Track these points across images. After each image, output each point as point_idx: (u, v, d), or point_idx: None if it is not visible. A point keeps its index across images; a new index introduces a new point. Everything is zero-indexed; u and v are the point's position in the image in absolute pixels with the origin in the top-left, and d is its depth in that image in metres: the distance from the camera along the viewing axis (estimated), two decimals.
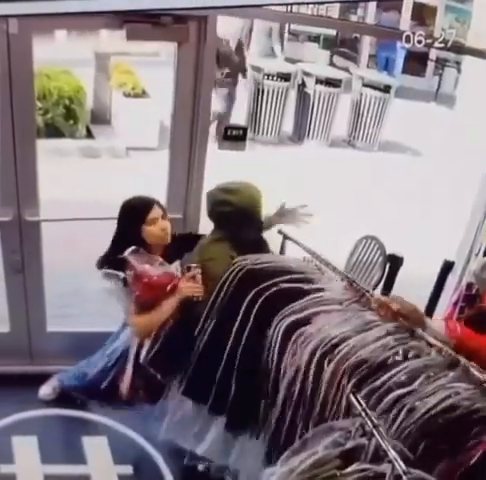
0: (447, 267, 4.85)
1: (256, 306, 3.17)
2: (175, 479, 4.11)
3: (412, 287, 5.24)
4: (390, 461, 2.35)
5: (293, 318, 3.04)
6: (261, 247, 3.74)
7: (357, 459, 2.44)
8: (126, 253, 3.57)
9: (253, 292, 3.19)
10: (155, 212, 3.73)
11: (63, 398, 4.47)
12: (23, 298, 4.56)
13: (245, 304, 3.19)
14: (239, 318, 3.21)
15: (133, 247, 3.60)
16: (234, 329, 3.22)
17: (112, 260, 3.66)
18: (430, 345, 2.83)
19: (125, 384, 3.83)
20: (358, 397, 2.66)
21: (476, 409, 2.55)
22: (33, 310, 4.59)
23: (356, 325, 2.94)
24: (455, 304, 4.92)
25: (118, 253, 3.62)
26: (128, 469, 4.12)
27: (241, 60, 9.90)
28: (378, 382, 2.73)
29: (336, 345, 2.87)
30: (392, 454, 2.39)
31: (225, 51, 9.69)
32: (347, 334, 2.88)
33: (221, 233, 3.72)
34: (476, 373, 2.64)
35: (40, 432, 4.22)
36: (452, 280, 4.93)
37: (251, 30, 11.27)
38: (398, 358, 2.80)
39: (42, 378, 4.53)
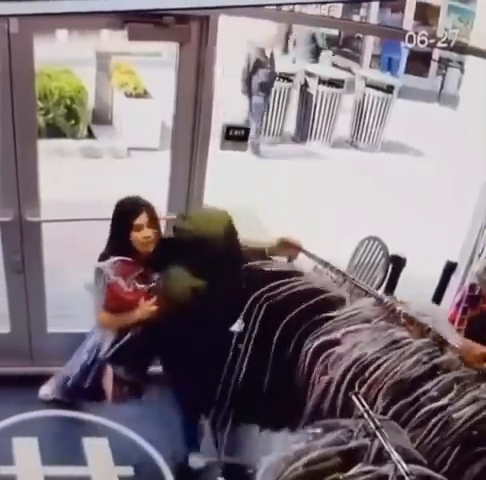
0: (450, 268, 4.83)
1: (288, 335, 3.16)
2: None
3: (415, 288, 5.24)
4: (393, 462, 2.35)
5: (323, 339, 3.04)
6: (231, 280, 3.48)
7: (359, 460, 2.44)
8: (107, 262, 3.64)
9: (282, 325, 3.17)
10: (141, 218, 3.70)
11: (64, 399, 4.47)
12: (24, 298, 4.55)
13: (277, 336, 3.18)
14: (273, 348, 3.20)
15: (115, 258, 3.65)
16: (269, 359, 3.21)
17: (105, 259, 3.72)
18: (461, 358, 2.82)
19: (108, 381, 3.85)
20: (360, 398, 2.65)
21: None
22: (33, 311, 4.58)
23: (386, 343, 2.94)
24: (458, 305, 4.90)
25: (111, 253, 3.68)
26: (129, 470, 4.11)
27: (273, 68, 9.88)
28: (410, 398, 2.73)
29: (367, 366, 2.87)
30: (395, 456, 2.38)
31: (262, 61, 9.68)
32: (377, 354, 2.87)
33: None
34: None
35: (40, 433, 4.22)
36: (455, 281, 4.92)
37: (288, 35, 11.33)
38: (428, 374, 2.79)
39: (42, 379, 4.51)
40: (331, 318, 3.10)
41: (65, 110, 8.85)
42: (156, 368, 4.00)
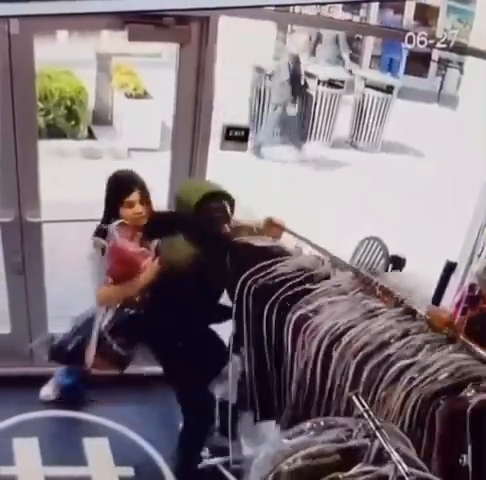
0: (449, 268, 4.83)
1: (274, 313, 3.27)
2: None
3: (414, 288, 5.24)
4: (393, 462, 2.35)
5: (302, 311, 3.16)
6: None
7: (358, 459, 2.43)
8: (112, 225, 3.69)
9: (269, 303, 3.27)
10: (133, 196, 3.76)
11: (64, 399, 4.47)
12: (24, 299, 4.56)
13: (265, 315, 3.29)
14: (264, 328, 3.31)
15: (121, 220, 3.72)
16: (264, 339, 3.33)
17: (102, 230, 3.78)
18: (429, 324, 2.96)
19: (90, 350, 3.88)
20: (360, 398, 2.66)
21: (471, 370, 2.74)
22: (34, 311, 4.58)
23: (361, 313, 3.06)
24: (458, 305, 4.90)
25: (107, 223, 3.76)
26: (129, 471, 4.11)
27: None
28: (383, 356, 2.85)
29: (342, 333, 2.98)
30: (395, 456, 2.39)
31: (296, 69, 9.68)
32: (353, 322, 2.99)
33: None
34: (473, 346, 2.82)
35: (41, 434, 4.22)
36: (455, 281, 4.92)
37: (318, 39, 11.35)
38: (399, 336, 2.92)
39: (43, 379, 4.53)
40: (311, 291, 3.23)
41: (65, 111, 8.86)
42: (156, 368, 4.01)
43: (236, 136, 4.43)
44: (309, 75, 10.53)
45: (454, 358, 2.81)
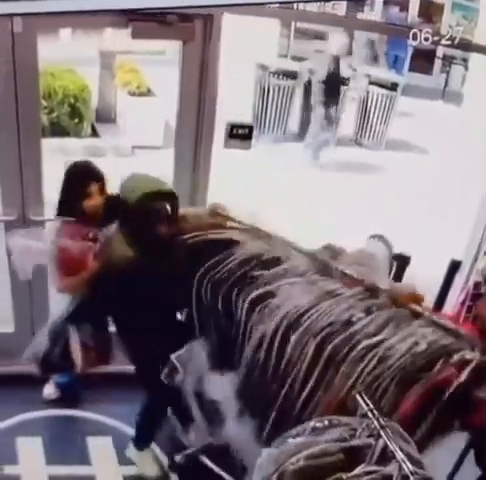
0: (454, 266, 4.81)
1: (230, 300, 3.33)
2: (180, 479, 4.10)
3: (419, 286, 5.22)
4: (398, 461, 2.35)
5: (258, 292, 3.20)
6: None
7: (362, 459, 2.43)
8: (49, 227, 3.81)
9: (227, 286, 3.33)
10: (92, 187, 3.77)
11: (67, 398, 4.47)
12: (27, 298, 4.55)
13: (221, 297, 3.35)
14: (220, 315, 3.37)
15: (59, 221, 3.79)
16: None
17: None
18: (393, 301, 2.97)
19: (76, 349, 3.90)
20: (364, 397, 2.65)
21: (442, 345, 2.79)
22: (37, 310, 4.57)
23: (319, 294, 3.08)
24: (462, 303, 4.89)
25: (61, 213, 3.82)
26: (133, 470, 4.11)
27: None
28: (345, 336, 2.87)
29: (301, 315, 3.01)
30: (400, 455, 2.38)
31: (336, 70, 9.69)
32: (311, 304, 3.01)
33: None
34: (438, 319, 2.90)
35: (44, 433, 4.21)
36: (459, 279, 4.90)
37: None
38: (362, 314, 2.94)
39: (46, 379, 4.52)
40: (265, 274, 3.27)
41: (69, 109, 8.86)
42: None
43: (240, 134, 4.42)
44: (312, 72, 10.51)
45: (423, 333, 2.83)
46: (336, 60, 9.79)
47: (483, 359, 2.70)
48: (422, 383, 2.69)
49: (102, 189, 3.82)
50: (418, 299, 3.01)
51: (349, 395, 2.79)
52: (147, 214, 3.55)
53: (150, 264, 3.43)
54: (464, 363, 2.69)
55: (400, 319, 2.92)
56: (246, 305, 3.21)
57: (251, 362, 3.19)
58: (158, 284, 3.42)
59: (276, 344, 3.04)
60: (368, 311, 2.96)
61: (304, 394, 2.97)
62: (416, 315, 2.93)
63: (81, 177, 3.82)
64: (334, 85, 9.81)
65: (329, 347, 2.90)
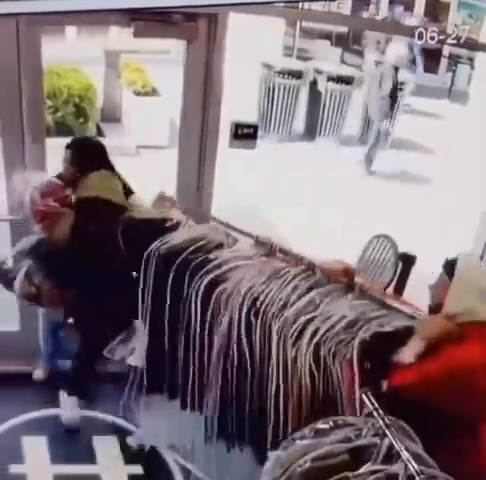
0: None
1: (177, 282, 3.39)
2: (184, 479, 4.10)
3: (425, 286, 5.21)
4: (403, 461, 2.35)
5: (209, 278, 3.27)
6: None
7: (367, 458, 2.43)
8: (32, 176, 4.00)
9: (173, 270, 3.39)
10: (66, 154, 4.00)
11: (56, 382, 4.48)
12: None
13: (169, 285, 3.41)
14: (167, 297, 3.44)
15: (47, 177, 4.01)
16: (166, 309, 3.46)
17: None
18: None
19: (19, 278, 3.98)
20: (370, 396, 2.65)
21: (370, 316, 2.96)
22: (42, 309, 4.58)
23: (269, 274, 3.19)
24: None
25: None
26: (138, 469, 4.11)
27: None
28: (289, 312, 3.02)
29: (257, 297, 3.11)
30: (405, 454, 2.38)
31: (394, 81, 9.49)
32: (263, 286, 3.13)
33: None
34: (368, 291, 3.08)
35: (50, 432, 4.22)
36: None
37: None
38: (303, 291, 3.10)
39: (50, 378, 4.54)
40: (215, 259, 3.35)
41: (74, 108, 8.85)
42: None
43: (245, 133, 4.41)
44: (318, 72, 10.50)
45: (354, 305, 3.00)
46: (396, 71, 9.50)
47: (406, 326, 2.86)
48: (353, 350, 2.83)
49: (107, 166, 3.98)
50: (350, 274, 3.16)
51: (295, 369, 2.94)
52: (86, 213, 3.74)
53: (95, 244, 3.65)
54: (390, 331, 2.85)
55: (335, 293, 3.09)
56: (200, 293, 3.29)
57: (221, 350, 3.27)
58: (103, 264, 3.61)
59: (243, 328, 3.12)
60: (309, 289, 3.12)
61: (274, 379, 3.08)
62: (349, 288, 3.11)
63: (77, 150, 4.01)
64: (394, 97, 9.58)
65: (276, 327, 3.03)
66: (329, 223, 7.18)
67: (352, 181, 8.73)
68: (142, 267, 3.48)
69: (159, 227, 3.58)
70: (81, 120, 8.97)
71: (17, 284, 4.01)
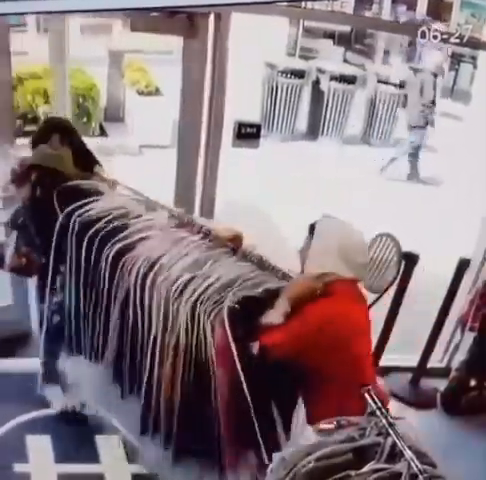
0: (463, 265, 4.80)
1: (92, 248, 3.52)
2: None
3: (428, 285, 5.21)
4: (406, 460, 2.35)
5: (119, 246, 3.39)
6: None
7: (371, 457, 2.43)
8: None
9: (87, 237, 3.50)
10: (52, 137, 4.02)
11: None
12: None
13: (84, 252, 3.53)
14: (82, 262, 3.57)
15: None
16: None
17: None
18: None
19: (10, 251, 4.03)
20: (373, 395, 2.65)
21: (250, 277, 3.11)
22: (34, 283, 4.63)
23: (171, 243, 3.36)
24: (472, 302, 4.88)
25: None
26: (142, 468, 4.11)
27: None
28: (173, 271, 3.17)
29: (154, 263, 3.24)
30: (408, 453, 2.38)
31: (434, 88, 9.50)
32: (163, 252, 3.28)
33: None
34: (250, 255, 3.25)
35: (53, 431, 4.22)
36: (468, 278, 4.89)
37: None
38: (188, 251, 3.29)
39: None
40: (126, 229, 3.48)
41: (77, 108, 8.88)
42: None
43: (248, 133, 4.42)
44: (321, 71, 10.50)
45: (235, 267, 3.17)
46: (435, 78, 9.53)
47: (277, 287, 3.01)
48: (224, 311, 2.96)
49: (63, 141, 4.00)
50: (238, 240, 3.31)
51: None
52: (32, 179, 3.89)
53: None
54: (267, 293, 3.00)
55: (220, 255, 3.28)
56: (109, 260, 3.41)
57: (120, 319, 3.42)
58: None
59: (139, 293, 3.25)
60: (208, 257, 3.27)
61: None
62: (234, 252, 3.29)
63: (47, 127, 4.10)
64: (433, 103, 9.56)
65: (167, 287, 3.17)
66: None
67: (356, 179, 8.73)
68: (68, 233, 3.62)
69: (86, 196, 3.71)
70: (84, 120, 8.99)
71: (7, 258, 4.07)
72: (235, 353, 2.89)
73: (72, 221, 3.56)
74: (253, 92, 9.89)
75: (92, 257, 3.49)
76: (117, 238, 3.42)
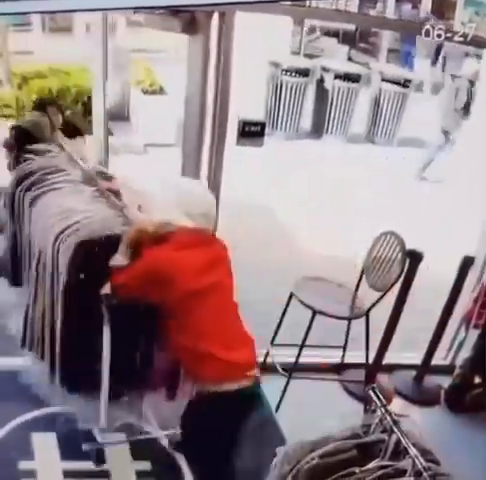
0: (467, 263, 4.81)
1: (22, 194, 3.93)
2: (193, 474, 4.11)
3: (432, 283, 5.22)
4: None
5: (35, 193, 3.79)
6: None
7: (376, 454, 2.45)
8: None
9: (18, 190, 3.91)
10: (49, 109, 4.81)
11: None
12: None
13: (16, 203, 3.94)
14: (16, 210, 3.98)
15: None
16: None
17: None
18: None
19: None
20: (377, 393, 2.66)
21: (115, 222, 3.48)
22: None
23: (73, 194, 3.74)
24: (476, 300, 4.89)
25: None
26: (146, 465, 4.12)
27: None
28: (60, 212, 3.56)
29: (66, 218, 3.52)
30: (413, 451, 2.39)
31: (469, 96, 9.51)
32: (64, 201, 3.65)
33: None
34: (114, 201, 3.64)
35: (59, 428, 4.23)
36: (472, 276, 4.89)
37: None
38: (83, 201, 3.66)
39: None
40: (44, 181, 3.86)
41: (82, 107, 8.90)
42: None
43: (252, 131, 4.42)
44: (325, 70, 10.50)
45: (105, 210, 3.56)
46: (471, 84, 9.50)
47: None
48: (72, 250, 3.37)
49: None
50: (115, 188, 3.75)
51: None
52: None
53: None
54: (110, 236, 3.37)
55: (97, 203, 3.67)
56: (26, 206, 3.82)
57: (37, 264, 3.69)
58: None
59: (57, 245, 3.47)
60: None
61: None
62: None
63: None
64: (467, 109, 9.53)
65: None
66: (338, 219, 7.19)
67: (360, 178, 8.73)
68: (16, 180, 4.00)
69: (39, 154, 4.12)
70: (89, 119, 9.00)
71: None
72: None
73: (17, 172, 4.03)
74: (257, 91, 9.88)
75: (22, 200, 3.91)
76: (33, 188, 3.83)
